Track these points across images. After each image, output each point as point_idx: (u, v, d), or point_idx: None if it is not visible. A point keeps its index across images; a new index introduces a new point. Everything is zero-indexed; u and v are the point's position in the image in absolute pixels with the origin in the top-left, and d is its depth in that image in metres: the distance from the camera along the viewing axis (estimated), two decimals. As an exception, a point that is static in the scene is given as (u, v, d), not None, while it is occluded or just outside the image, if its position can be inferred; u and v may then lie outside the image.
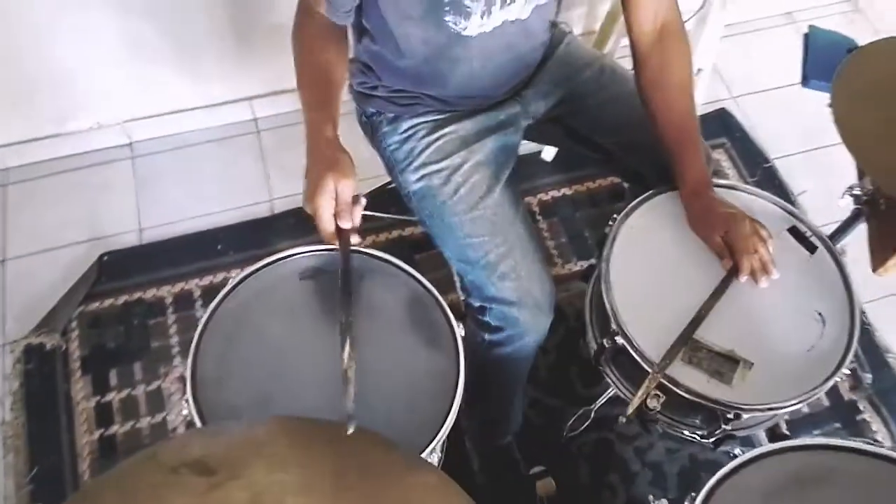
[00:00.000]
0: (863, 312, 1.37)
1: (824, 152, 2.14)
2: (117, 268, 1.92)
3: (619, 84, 1.39)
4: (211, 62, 1.98)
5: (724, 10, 1.71)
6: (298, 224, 1.97)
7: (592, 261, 1.92)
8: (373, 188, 1.69)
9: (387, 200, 1.61)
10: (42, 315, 1.82)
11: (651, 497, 1.22)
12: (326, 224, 1.04)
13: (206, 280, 1.91)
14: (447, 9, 1.08)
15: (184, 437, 0.95)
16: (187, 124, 2.10)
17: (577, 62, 1.39)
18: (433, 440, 1.00)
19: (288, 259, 1.16)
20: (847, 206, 1.37)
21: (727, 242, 1.18)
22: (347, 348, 0.94)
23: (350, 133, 1.17)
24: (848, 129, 1.17)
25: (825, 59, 1.32)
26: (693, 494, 0.87)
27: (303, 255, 1.17)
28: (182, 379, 1.70)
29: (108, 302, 1.87)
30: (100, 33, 1.82)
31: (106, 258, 1.92)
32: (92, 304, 1.86)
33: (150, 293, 1.89)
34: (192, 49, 1.93)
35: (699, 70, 1.81)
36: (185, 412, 1.01)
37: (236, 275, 1.15)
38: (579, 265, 1.96)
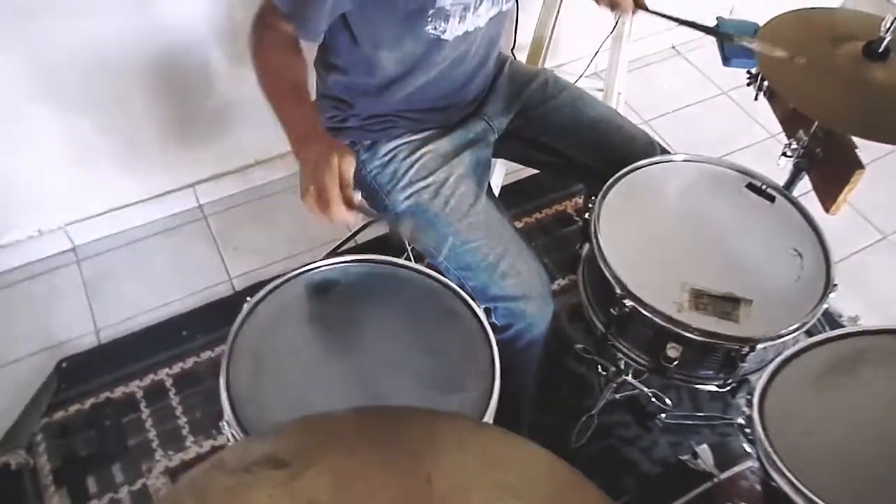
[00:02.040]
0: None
1: (739, 154, 2.35)
2: (78, 372, 1.82)
3: (563, 91, 1.51)
4: (152, 154, 1.99)
5: (627, 45, 1.91)
6: (263, 297, 1.95)
7: (557, 283, 2.00)
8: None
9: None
10: (2, 433, 1.69)
11: (692, 443, 1.23)
12: (336, 200, 0.99)
13: (177, 367, 1.84)
14: (430, 18, 1.16)
15: (242, 442, 0.91)
16: (132, 220, 2.07)
17: (523, 78, 1.51)
18: (486, 412, 1.00)
19: (298, 277, 1.16)
20: (786, 167, 1.51)
21: None
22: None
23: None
24: (784, 87, 1.32)
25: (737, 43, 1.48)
26: (748, 397, 0.91)
27: (312, 271, 1.17)
28: (168, 472, 1.64)
29: (73, 408, 1.76)
30: (35, 137, 1.80)
31: (64, 364, 1.82)
32: (56, 413, 1.75)
33: (118, 391, 1.79)
34: (132, 143, 1.94)
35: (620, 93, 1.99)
36: (227, 435, 0.97)
37: (249, 301, 1.13)
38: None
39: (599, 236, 1.28)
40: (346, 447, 0.83)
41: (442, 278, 1.18)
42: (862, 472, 0.85)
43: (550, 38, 1.89)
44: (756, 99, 1.57)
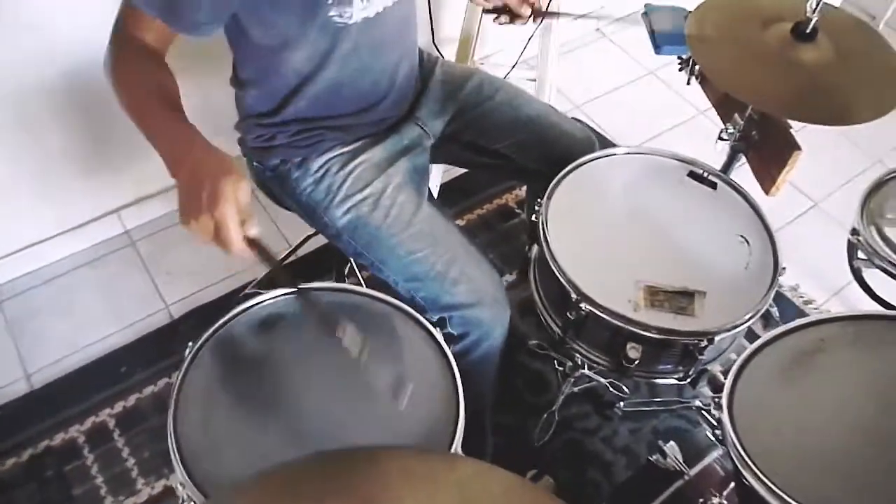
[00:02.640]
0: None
1: (671, 133, 2.37)
2: (12, 422, 1.70)
3: (498, 92, 1.48)
4: (68, 181, 1.87)
5: (557, 35, 1.89)
6: (203, 322, 1.86)
7: (505, 279, 1.98)
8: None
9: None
10: (-68, 499, 1.57)
11: (660, 443, 1.23)
12: (235, 234, 0.90)
13: (119, 406, 1.74)
14: (330, 2, 1.09)
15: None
16: (54, 253, 1.95)
17: (457, 79, 1.47)
18: (453, 443, 0.97)
19: (242, 315, 1.10)
20: (723, 150, 1.52)
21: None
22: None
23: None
24: (716, 73, 1.31)
25: (667, 27, 1.47)
26: (716, 399, 0.91)
27: (257, 306, 1.11)
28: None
29: (10, 462, 1.65)
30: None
31: (-4, 415, 1.71)
32: (-8, 469, 1.64)
33: (57, 438, 1.69)
34: (45, 172, 1.82)
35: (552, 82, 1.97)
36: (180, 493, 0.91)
37: (192, 346, 1.07)
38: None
39: (549, 239, 1.26)
40: (312, 499, 0.79)
41: (390, 299, 1.13)
42: (834, 468, 0.85)
43: (478, 33, 1.85)
44: (688, 83, 1.57)
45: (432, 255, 1.25)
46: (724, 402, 0.90)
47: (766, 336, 0.98)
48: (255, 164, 1.35)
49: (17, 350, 1.82)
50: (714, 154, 1.52)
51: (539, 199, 1.32)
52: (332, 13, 1.11)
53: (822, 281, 2.04)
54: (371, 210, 1.26)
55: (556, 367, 1.75)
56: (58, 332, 1.85)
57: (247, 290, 1.90)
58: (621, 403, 1.73)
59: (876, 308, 1.66)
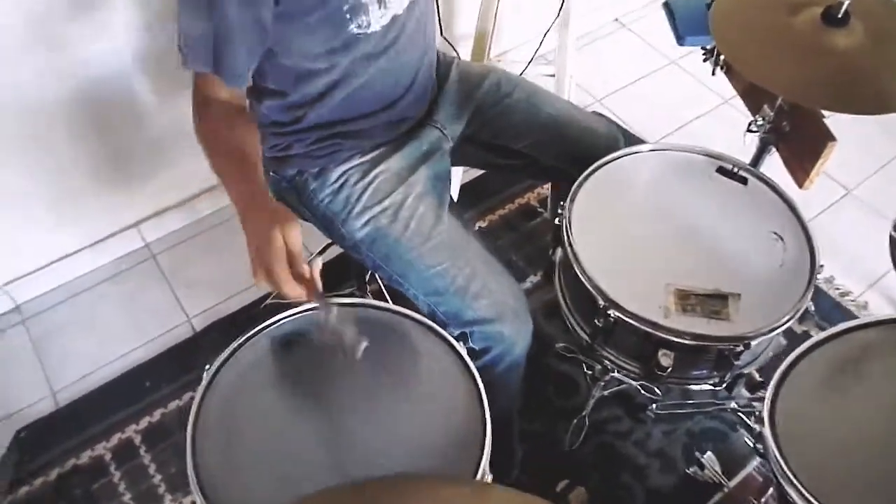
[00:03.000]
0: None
1: (696, 123, 2.30)
2: (39, 441, 1.70)
3: (516, 89, 1.43)
4: (87, 197, 1.86)
5: (574, 27, 1.84)
6: (225, 334, 1.85)
7: (530, 280, 1.94)
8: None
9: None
10: (-37, 520, 1.58)
11: (697, 454, 1.19)
12: (286, 281, 0.97)
13: (144, 422, 1.73)
14: (349, 17, 1.07)
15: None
16: (76, 269, 1.94)
17: (474, 79, 1.42)
18: (480, 463, 0.93)
19: (260, 334, 1.07)
20: (752, 142, 1.46)
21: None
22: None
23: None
24: (743, 63, 1.26)
25: (690, 17, 1.43)
26: (758, 413, 0.86)
27: (274, 325, 1.08)
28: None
29: (38, 481, 1.65)
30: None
31: (23, 434, 1.71)
32: (21, 489, 1.63)
33: (84, 457, 1.68)
34: (64, 189, 1.81)
35: (571, 76, 1.92)
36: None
37: (208, 367, 1.04)
38: (523, 288, 1.96)
39: (574, 244, 1.21)
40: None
41: (413, 314, 1.10)
42: (880, 486, 0.80)
43: (493, 30, 1.81)
44: (713, 74, 1.51)
45: (453, 268, 1.21)
46: (765, 414, 0.86)
47: (806, 343, 0.93)
48: (271, 174, 1.33)
49: (43, 368, 1.82)
50: (742, 145, 1.46)
51: (562, 202, 1.28)
52: (351, 27, 1.10)
53: (858, 272, 1.97)
54: (390, 222, 1.23)
55: (585, 370, 1.71)
56: (81, 348, 1.84)
57: (268, 301, 1.88)
58: (654, 406, 1.68)
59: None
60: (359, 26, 1.09)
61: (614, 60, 2.51)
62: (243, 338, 1.05)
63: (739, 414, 1.57)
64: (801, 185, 1.36)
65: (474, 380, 1.02)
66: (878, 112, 1.20)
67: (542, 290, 1.93)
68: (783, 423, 0.85)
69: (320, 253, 1.87)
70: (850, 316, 1.88)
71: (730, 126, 2.22)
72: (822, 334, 0.95)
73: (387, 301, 1.78)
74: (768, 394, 0.87)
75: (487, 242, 1.99)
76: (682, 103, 2.36)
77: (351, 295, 1.88)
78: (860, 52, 1.23)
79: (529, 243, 2.05)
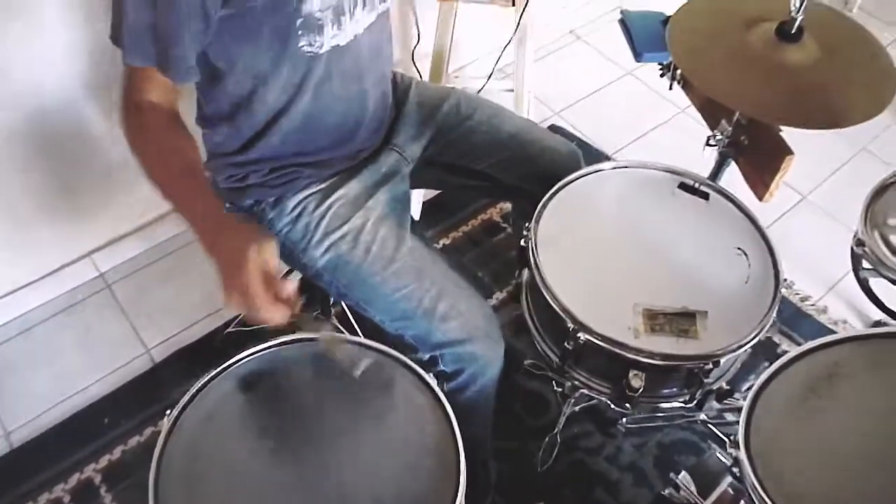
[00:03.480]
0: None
1: (654, 133, 2.33)
2: (-7, 485, 1.63)
3: (477, 111, 1.42)
4: (38, 228, 1.80)
5: (532, 42, 1.84)
6: (187, 365, 1.81)
7: (496, 296, 1.93)
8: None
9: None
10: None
11: (672, 476, 1.19)
12: (264, 303, 0.91)
13: (104, 461, 1.67)
14: (300, 32, 1.04)
15: None
16: (28, 302, 1.87)
17: (433, 100, 1.41)
18: (457, 498, 0.92)
19: (222, 374, 1.03)
20: (711, 156, 1.47)
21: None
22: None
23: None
24: (701, 79, 1.26)
25: (646, 33, 1.43)
26: (732, 437, 0.86)
27: (238, 364, 1.05)
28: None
29: (-7, 529, 1.58)
30: None
31: (-25, 479, 1.63)
32: (-26, 537, 1.57)
33: (42, 500, 1.61)
34: (13, 220, 1.74)
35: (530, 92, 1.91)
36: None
37: (170, 412, 1.00)
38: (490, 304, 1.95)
39: (541, 267, 1.20)
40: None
41: (377, 345, 1.08)
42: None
43: (451, 46, 1.80)
44: (671, 89, 1.52)
45: (418, 290, 1.19)
46: (740, 439, 0.85)
47: (777, 363, 0.93)
48: (227, 205, 1.29)
49: (-6, 408, 1.74)
50: (700, 155, 1.47)
51: (527, 223, 1.27)
52: (301, 43, 1.06)
53: (816, 276, 2.00)
54: (351, 248, 1.20)
55: (555, 387, 1.70)
56: (36, 385, 1.77)
57: (230, 329, 1.84)
58: (624, 420, 1.68)
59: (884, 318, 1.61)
60: (309, 44, 1.07)
61: (571, 73, 2.53)
62: (206, 377, 1.01)
63: (710, 426, 1.58)
64: (760, 199, 1.37)
65: (445, 411, 0.99)
66: (832, 126, 1.22)
67: (510, 306, 1.92)
68: (759, 448, 0.84)
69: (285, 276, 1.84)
70: (811, 321, 1.91)
71: (687, 135, 2.25)
72: (790, 354, 0.95)
73: (352, 325, 1.78)
74: (742, 417, 0.87)
75: (452, 260, 1.99)
76: (640, 114, 2.38)
77: (316, 319, 1.86)
78: (814, 67, 1.25)
79: (494, 259, 2.04)
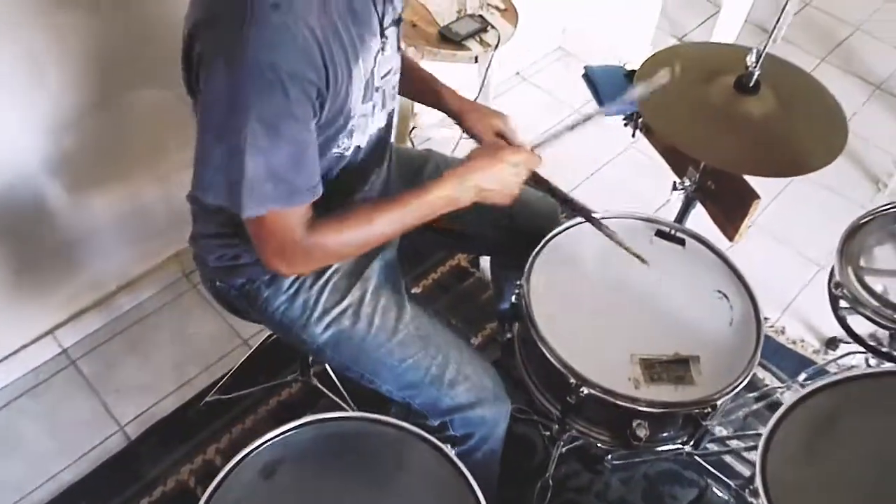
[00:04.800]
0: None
1: (607, 169, 2.41)
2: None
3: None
4: (-3, 309, 1.73)
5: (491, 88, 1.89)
6: (165, 440, 1.75)
7: (475, 339, 1.94)
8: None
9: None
10: None
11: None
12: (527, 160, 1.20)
13: (86, 551, 1.61)
14: (341, 136, 1.07)
15: None
16: (-12, 387, 1.79)
17: (414, 164, 1.43)
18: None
19: (245, 460, 1.02)
20: (678, 199, 1.54)
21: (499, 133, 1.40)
22: None
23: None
24: (664, 127, 1.33)
25: (610, 86, 1.50)
26: (750, 487, 0.90)
27: (259, 448, 1.03)
28: None
29: None
30: None
31: (-54, 585, 1.54)
32: None
33: None
34: (-33, 305, 1.67)
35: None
36: None
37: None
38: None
39: (537, 323, 1.23)
40: None
41: (392, 420, 1.08)
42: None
43: (413, 106, 1.83)
44: (633, 136, 1.59)
45: (424, 358, 1.20)
46: (758, 485, 0.90)
47: (780, 410, 0.98)
48: (217, 283, 1.27)
49: (-40, 505, 1.65)
50: (657, 188, 1.52)
51: (518, 280, 1.30)
52: (335, 149, 1.09)
53: (770, 299, 2.09)
54: (353, 323, 1.21)
55: (542, 431, 1.73)
56: (4, 475, 1.69)
57: (208, 399, 1.80)
58: (609, 456, 1.73)
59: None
60: (339, 147, 1.09)
61: (519, 114, 2.56)
62: (226, 470, 1.00)
63: (696, 458, 1.65)
64: (731, 240, 1.45)
65: (468, 482, 1.01)
66: (794, 174, 1.30)
67: (486, 350, 1.95)
68: (777, 494, 0.89)
69: (262, 344, 1.82)
70: (771, 342, 1.99)
71: (638, 169, 2.34)
72: (791, 399, 1.00)
73: (335, 383, 1.77)
74: (757, 466, 0.92)
75: (430, 309, 2.00)
76: (594, 148, 2.45)
77: (294, 381, 1.84)
78: (772, 117, 1.33)
79: (465, 304, 2.06)
